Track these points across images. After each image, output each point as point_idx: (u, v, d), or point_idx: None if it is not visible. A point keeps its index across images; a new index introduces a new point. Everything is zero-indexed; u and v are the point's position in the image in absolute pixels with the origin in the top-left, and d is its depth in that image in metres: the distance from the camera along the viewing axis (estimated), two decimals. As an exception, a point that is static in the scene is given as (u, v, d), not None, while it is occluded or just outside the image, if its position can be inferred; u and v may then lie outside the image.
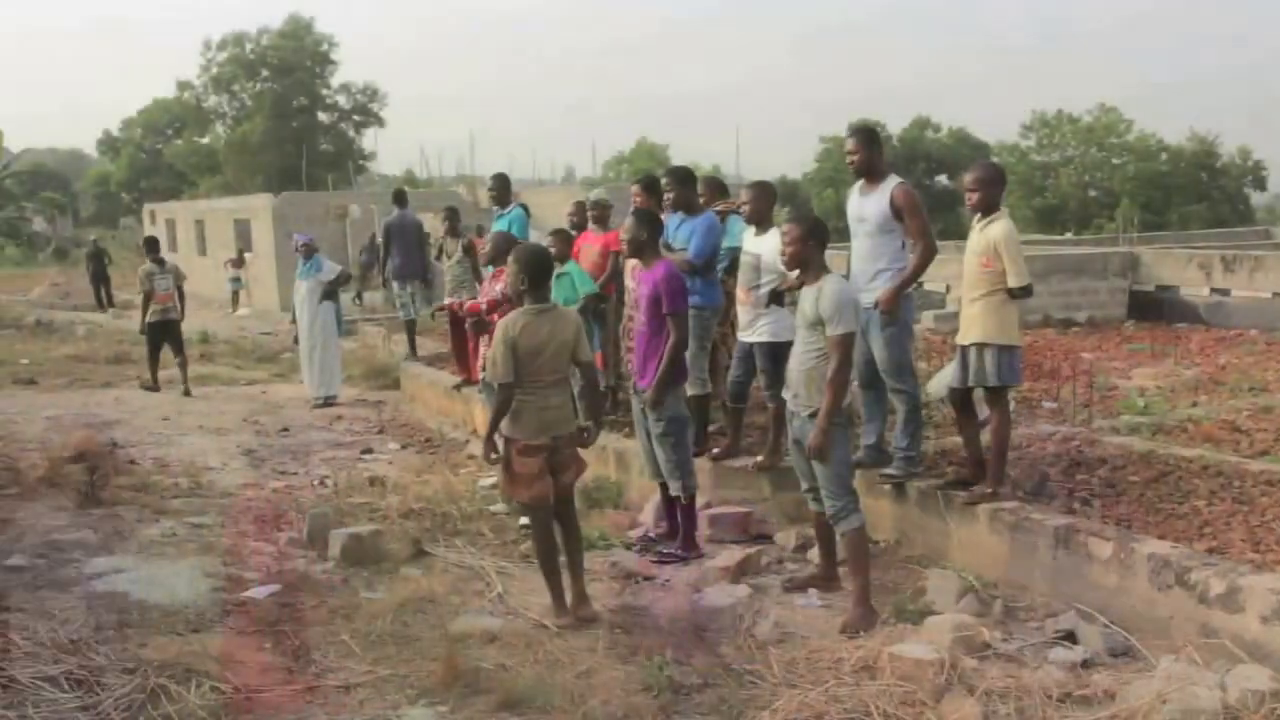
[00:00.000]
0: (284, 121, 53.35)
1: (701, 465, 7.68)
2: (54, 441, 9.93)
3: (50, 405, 12.51)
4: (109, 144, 69.92)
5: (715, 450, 7.84)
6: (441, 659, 4.99)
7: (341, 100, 57.07)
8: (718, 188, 8.65)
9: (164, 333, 14.06)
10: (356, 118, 57.69)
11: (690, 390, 7.51)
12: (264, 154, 51.97)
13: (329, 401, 13.11)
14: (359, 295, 27.96)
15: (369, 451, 10.52)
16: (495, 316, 7.95)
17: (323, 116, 57.25)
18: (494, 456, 5.87)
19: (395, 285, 14.00)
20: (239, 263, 28.81)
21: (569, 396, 5.88)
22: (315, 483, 9.11)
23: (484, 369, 7.12)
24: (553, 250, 8.91)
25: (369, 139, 58.92)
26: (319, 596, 6.09)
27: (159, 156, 65.00)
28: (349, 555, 6.74)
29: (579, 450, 6.03)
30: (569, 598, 5.84)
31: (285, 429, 11.51)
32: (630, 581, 6.49)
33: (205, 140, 58.93)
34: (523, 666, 5.01)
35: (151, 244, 15.31)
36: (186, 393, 13.66)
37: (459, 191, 33.95)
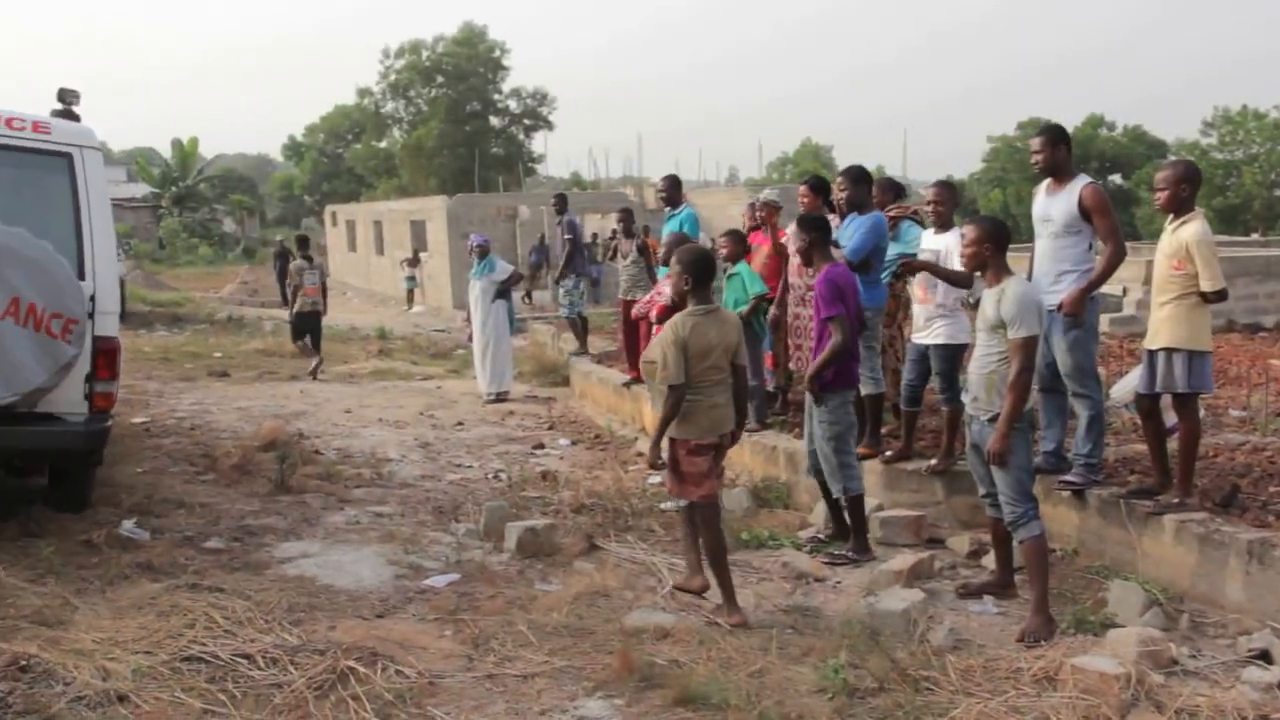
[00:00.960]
0: (457, 126, 54.74)
1: (873, 468, 7.61)
2: (245, 431, 10.44)
3: (241, 397, 13.11)
4: (294, 149, 72.99)
5: (888, 453, 7.75)
6: (616, 653, 5.05)
7: (512, 105, 58.34)
8: (893, 189, 8.54)
9: (309, 322, 15.42)
10: (526, 121, 58.83)
11: (864, 389, 7.46)
12: (438, 157, 53.45)
13: (500, 397, 13.42)
14: (528, 294, 28.50)
15: (540, 447, 10.71)
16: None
17: (494, 120, 58.54)
18: (660, 461, 5.90)
19: (568, 282, 14.30)
20: (414, 262, 29.69)
21: (730, 396, 5.90)
22: (490, 476, 9.33)
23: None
24: (724, 251, 8.96)
25: (538, 142, 60.10)
26: (496, 587, 6.23)
27: (339, 160, 67.52)
28: (524, 548, 6.89)
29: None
30: (693, 570, 6.06)
31: (460, 423, 11.81)
32: (801, 582, 6.47)
33: (383, 144, 60.89)
34: (696, 664, 5.03)
35: (302, 242, 17.03)
36: (314, 377, 14.83)
37: (626, 192, 34.30)
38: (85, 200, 6.75)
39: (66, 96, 7.22)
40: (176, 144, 57.74)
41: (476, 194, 34.54)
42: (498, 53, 56.87)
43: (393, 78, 56.91)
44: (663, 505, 7.70)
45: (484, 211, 29.38)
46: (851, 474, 6.82)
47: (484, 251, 13.87)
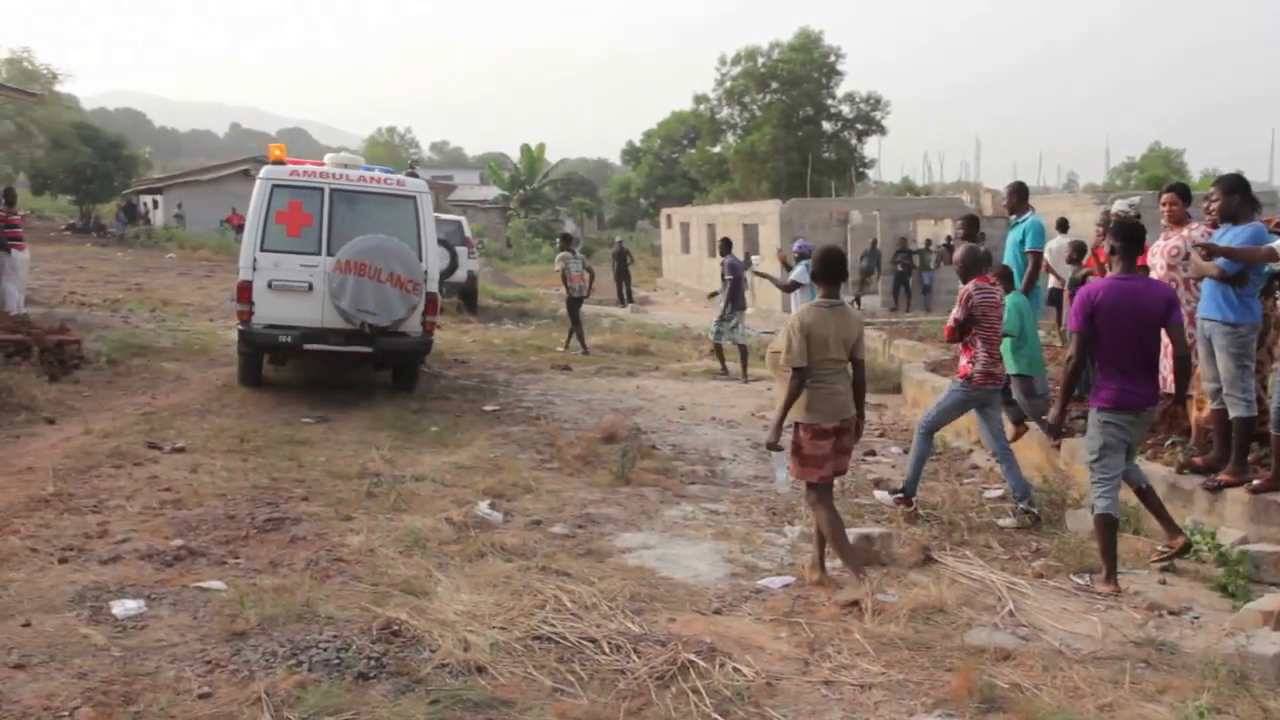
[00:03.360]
0: (790, 131, 54.82)
1: (1239, 497, 7.05)
2: (587, 423, 10.87)
3: (581, 390, 13.68)
4: (632, 154, 75.34)
5: (1255, 482, 7.16)
6: (957, 671, 4.92)
7: (845, 110, 57.81)
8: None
9: (575, 306, 18.35)
10: (859, 126, 58.19)
11: (1233, 411, 6.96)
12: (770, 162, 53.72)
13: None
14: (857, 299, 28.21)
15: (871, 454, 10.57)
16: (971, 331, 7.99)
17: (826, 125, 58.22)
18: (780, 445, 6.31)
19: (726, 310, 15.80)
20: (746, 265, 29.99)
21: (849, 384, 6.34)
22: (821, 481, 9.29)
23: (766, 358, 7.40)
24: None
25: (870, 146, 59.31)
26: (830, 592, 6.20)
27: (674, 165, 69.11)
28: (859, 555, 6.82)
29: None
30: (821, 563, 6.47)
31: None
32: (1154, 614, 6.08)
33: (717, 149, 61.83)
34: (1040, 690, 4.83)
35: (566, 239, 20.26)
36: (565, 346, 17.89)
37: (961, 198, 33.34)
38: (421, 222, 12.00)
39: (414, 168, 13.59)
40: (525, 150, 61.02)
41: (808, 198, 34.50)
42: (833, 58, 56.56)
43: (728, 84, 57.64)
44: (779, 489, 8.23)
45: (816, 216, 29.33)
46: (1102, 492, 6.50)
47: (803, 256, 14.38)
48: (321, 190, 11.76)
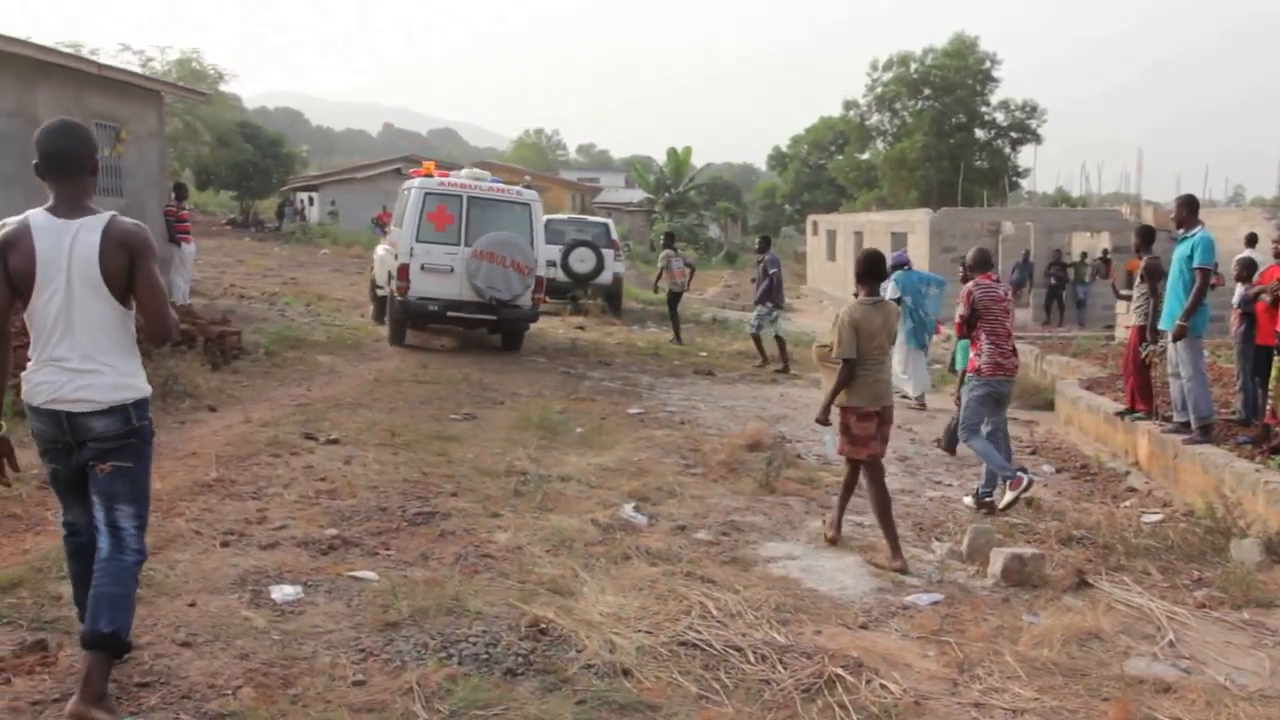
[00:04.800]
0: (941, 138, 53.88)
1: None
2: (730, 429, 10.83)
3: (725, 396, 13.65)
4: (778, 159, 75.03)
5: None
6: (1114, 701, 4.75)
7: (999, 117, 56.54)
8: None
9: (674, 300, 19.67)
10: (1013, 134, 56.85)
11: None
12: (920, 169, 52.89)
13: (921, 403, 13.96)
14: (1008, 313, 27.58)
15: (1022, 471, 10.28)
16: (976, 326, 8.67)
17: (979, 133, 57.05)
18: (828, 421, 7.14)
19: (763, 309, 16.74)
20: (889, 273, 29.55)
21: (890, 373, 7.31)
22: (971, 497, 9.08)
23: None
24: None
25: (1025, 155, 57.78)
26: (980, 612, 6.05)
27: (821, 171, 68.56)
28: (1010, 575, 6.64)
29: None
30: (838, 524, 7.29)
31: (938, 440, 11.60)
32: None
33: (865, 156, 61.14)
34: (1205, 726, 4.63)
35: (669, 238, 21.19)
36: (676, 340, 19.29)
37: (1120, 210, 32.29)
38: (533, 224, 15.70)
39: (533, 185, 17.09)
40: (672, 153, 61.23)
41: (959, 208, 33.80)
42: (988, 64, 55.39)
43: (879, 90, 56.94)
44: (829, 457, 9.20)
45: (967, 226, 28.72)
46: None
47: (897, 266, 14.28)
48: (461, 197, 15.55)
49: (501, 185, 16.42)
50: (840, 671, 4.86)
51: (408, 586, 5.60)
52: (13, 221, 4.18)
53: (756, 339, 17.19)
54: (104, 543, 4.17)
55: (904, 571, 6.71)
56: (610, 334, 20.09)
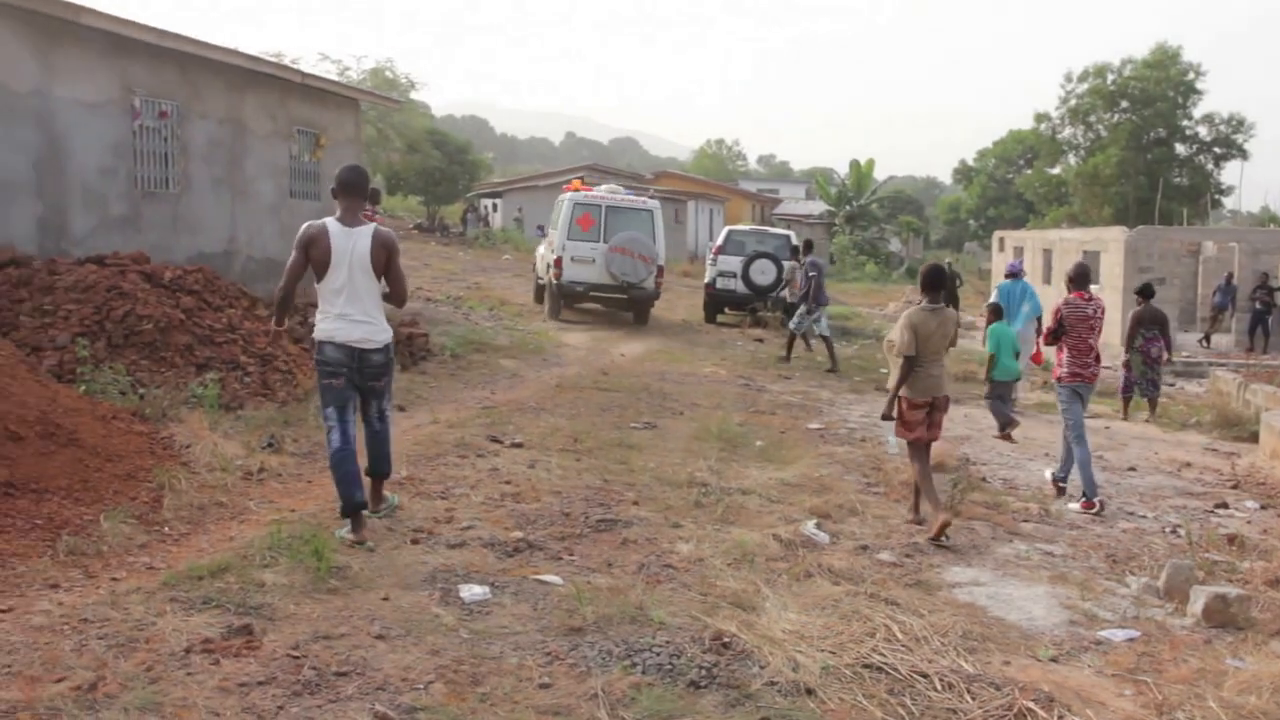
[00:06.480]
0: (1139, 153, 51.84)
1: None
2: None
3: (906, 415, 13.37)
4: (963, 173, 73.48)
5: None
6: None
7: (1202, 131, 54.06)
8: None
9: (792, 308, 19.52)
10: (1216, 150, 54.27)
11: None
12: (1114, 186, 51.02)
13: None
14: (1207, 338, 26.38)
15: (1223, 506, 9.79)
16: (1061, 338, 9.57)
17: (1180, 148, 54.67)
18: (891, 416, 8.10)
19: (803, 309, 18.06)
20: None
21: (944, 370, 8.16)
22: (1166, 530, 8.69)
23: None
24: None
25: (1229, 172, 55.12)
26: (1179, 652, 5.77)
27: (1008, 186, 66.84)
28: (1212, 615, 6.32)
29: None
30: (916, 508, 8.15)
31: (1132, 469, 11.15)
32: None
33: (1056, 171, 59.28)
34: None
35: (794, 249, 21.65)
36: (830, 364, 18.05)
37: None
38: (655, 226, 20.94)
39: (650, 187, 22.52)
40: (854, 165, 60.50)
41: (1157, 226, 32.40)
42: (1191, 75, 53.03)
43: (1073, 102, 55.12)
44: (890, 451, 10.50)
45: (1165, 245, 27.48)
46: None
47: (1012, 275, 14.85)
48: (601, 206, 21.06)
49: (631, 196, 22.11)
50: (1032, 705, 4.71)
51: (592, 592, 5.67)
52: (315, 224, 6.43)
53: (793, 338, 18.36)
54: (375, 422, 6.74)
55: (919, 524, 7.93)
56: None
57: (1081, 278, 9.73)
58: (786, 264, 22.69)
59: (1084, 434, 9.44)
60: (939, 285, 8.19)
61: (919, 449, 8.11)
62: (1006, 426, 12.06)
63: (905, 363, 7.94)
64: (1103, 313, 9.68)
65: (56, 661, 4.42)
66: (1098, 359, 9.62)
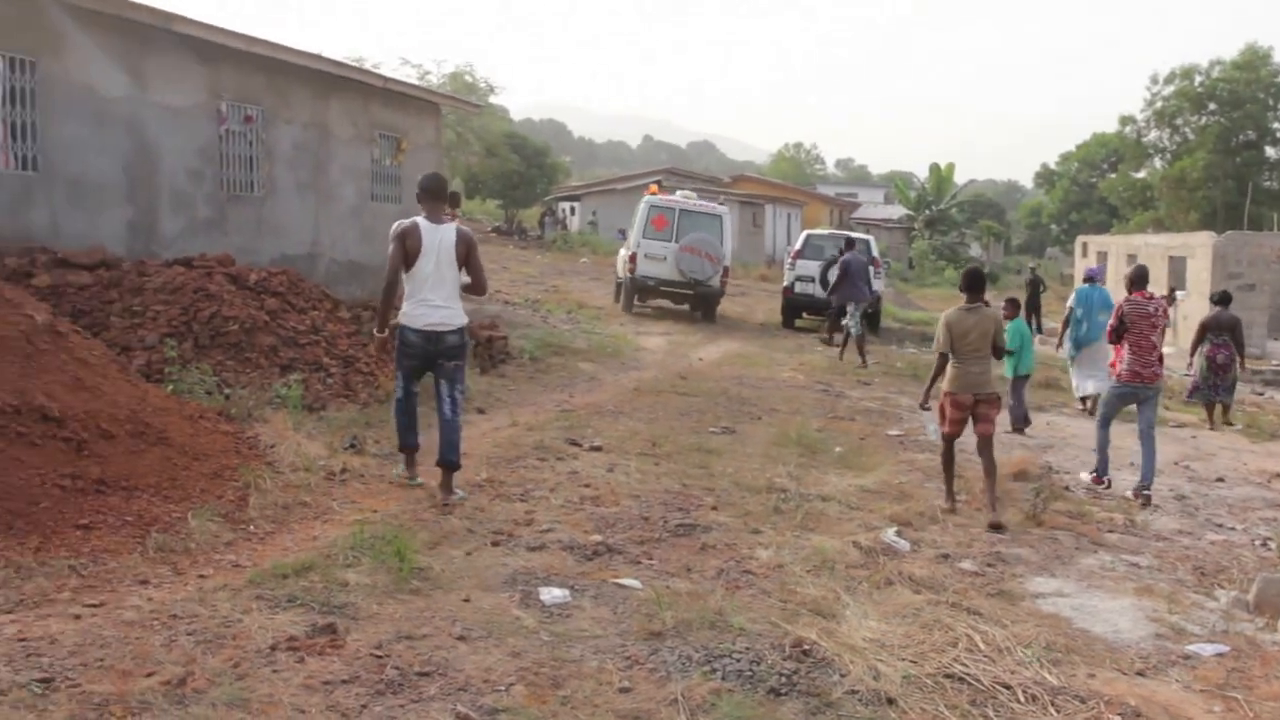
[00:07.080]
0: (1227, 156, 50.73)
1: None
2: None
3: (986, 422, 13.20)
4: (1045, 177, 72.41)
5: None
6: None
7: (1294, 134, 52.72)
8: None
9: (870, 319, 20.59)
10: (1310, 152, 52.92)
11: None
12: (1201, 190, 49.94)
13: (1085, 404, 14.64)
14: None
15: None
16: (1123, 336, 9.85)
17: (1271, 151, 53.39)
18: (927, 406, 8.85)
19: (850, 307, 18.45)
20: (1170, 299, 27.98)
21: (988, 368, 8.45)
22: (1256, 543, 8.50)
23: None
24: None
25: (1323, 175, 53.64)
26: (1271, 669, 5.63)
27: (1091, 190, 65.73)
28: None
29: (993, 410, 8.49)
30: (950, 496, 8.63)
31: (1220, 479, 10.91)
32: None
33: (1141, 175, 58.20)
34: None
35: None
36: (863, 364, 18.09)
37: None
38: (724, 229, 22.86)
39: (721, 192, 25.28)
40: (934, 169, 59.85)
41: (1246, 232, 31.69)
42: (1281, 77, 51.76)
43: (1159, 105, 54.12)
44: (930, 438, 11.06)
45: (1255, 251, 26.83)
46: None
47: (1090, 280, 15.05)
48: (674, 209, 22.83)
49: (703, 202, 24.17)
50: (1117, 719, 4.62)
51: (671, 597, 5.67)
52: (407, 221, 7.32)
53: (861, 340, 18.43)
54: (446, 409, 7.43)
55: (948, 511, 8.38)
56: (868, 352, 19.78)
57: (1140, 279, 9.94)
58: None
59: (1109, 421, 10.01)
60: (977, 286, 8.56)
61: (950, 441, 8.65)
62: (1020, 423, 12.66)
63: (940, 359, 8.45)
64: (1164, 312, 9.83)
65: (147, 656, 4.52)
66: (1160, 359, 9.75)
